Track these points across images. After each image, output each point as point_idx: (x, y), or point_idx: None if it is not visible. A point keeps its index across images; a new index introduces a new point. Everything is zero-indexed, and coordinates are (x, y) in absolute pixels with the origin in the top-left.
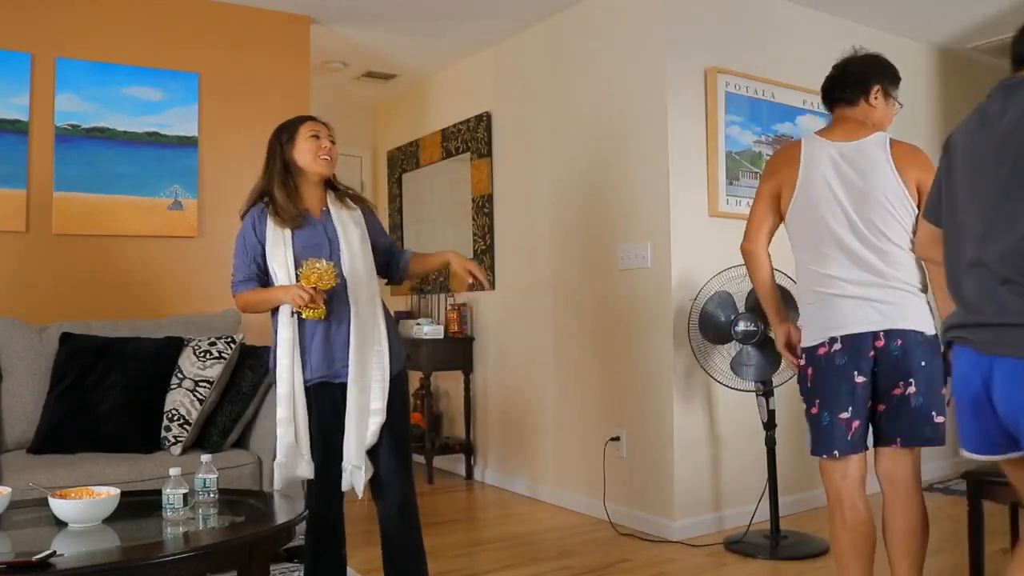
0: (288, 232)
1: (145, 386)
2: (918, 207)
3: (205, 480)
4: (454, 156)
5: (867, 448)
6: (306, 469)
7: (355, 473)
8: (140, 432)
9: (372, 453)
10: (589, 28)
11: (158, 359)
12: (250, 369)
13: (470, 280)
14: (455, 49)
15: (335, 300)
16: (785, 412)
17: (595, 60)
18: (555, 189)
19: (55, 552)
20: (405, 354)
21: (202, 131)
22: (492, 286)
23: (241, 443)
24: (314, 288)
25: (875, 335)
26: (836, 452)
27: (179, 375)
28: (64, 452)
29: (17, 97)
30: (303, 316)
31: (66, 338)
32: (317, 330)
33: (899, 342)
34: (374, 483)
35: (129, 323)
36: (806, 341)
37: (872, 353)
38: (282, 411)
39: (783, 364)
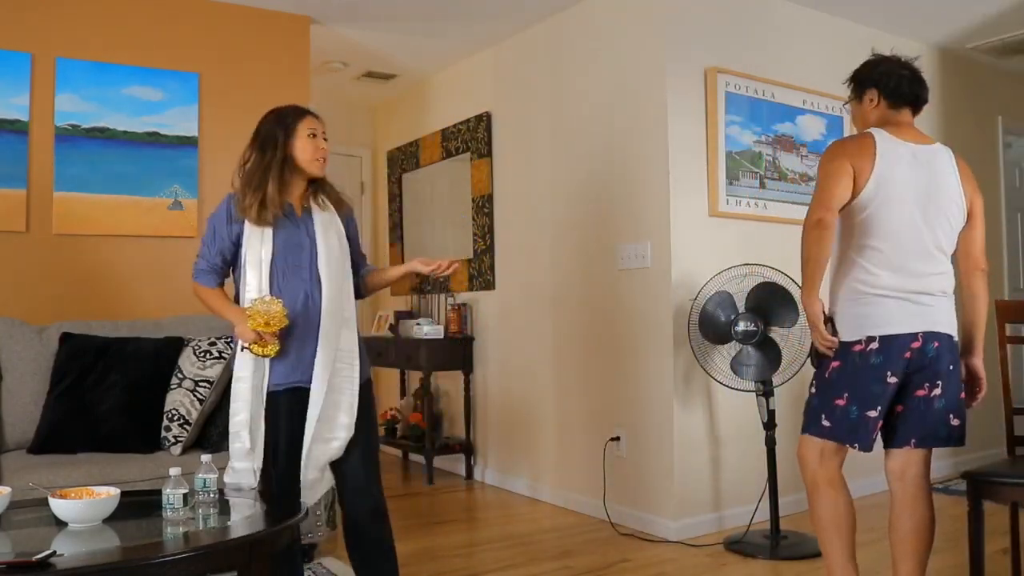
0: (268, 229)
1: (145, 386)
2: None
3: (205, 480)
4: (454, 156)
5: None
6: (251, 479)
7: (313, 486)
8: (140, 432)
9: (340, 462)
10: (589, 28)
11: (158, 359)
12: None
13: (445, 271)
14: (455, 49)
15: (306, 316)
16: (785, 412)
17: (595, 60)
18: (555, 189)
19: (55, 552)
20: (368, 361)
21: (202, 131)
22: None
23: None
24: (259, 333)
25: (913, 336)
26: (857, 446)
27: (179, 375)
28: (64, 452)
29: (17, 97)
30: (252, 352)
31: (66, 338)
32: (284, 336)
33: (935, 344)
34: (344, 489)
35: (129, 323)
36: (842, 336)
37: (908, 355)
38: (240, 416)
39: (783, 364)
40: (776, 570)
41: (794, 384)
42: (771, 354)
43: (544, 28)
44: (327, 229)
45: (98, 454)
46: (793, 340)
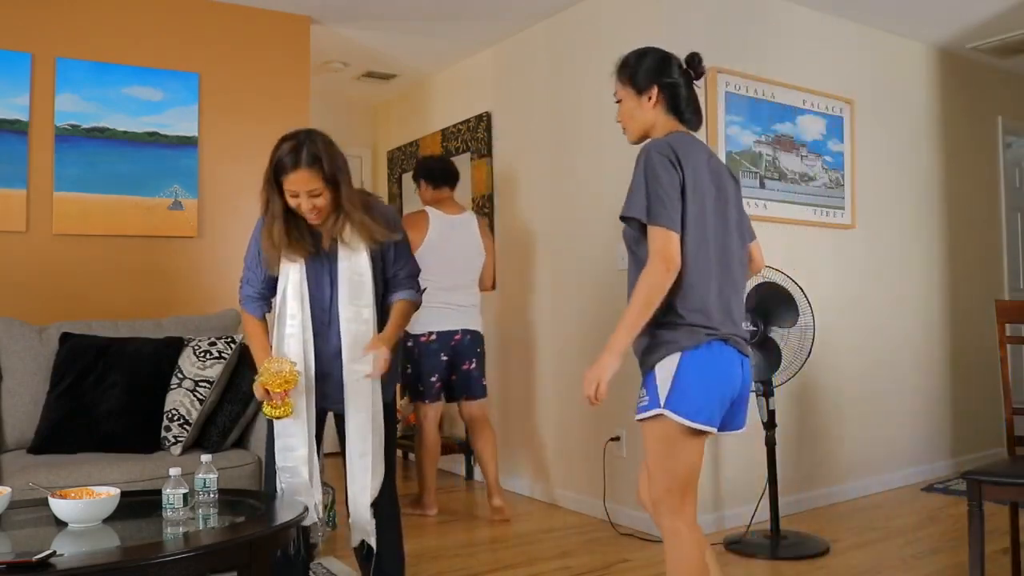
0: (301, 262)
1: (145, 386)
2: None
3: (205, 480)
4: (454, 156)
5: (442, 400)
6: (314, 514)
7: (367, 535)
8: (140, 432)
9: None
10: (589, 28)
11: (158, 359)
12: (250, 369)
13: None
14: (455, 49)
15: (324, 353)
16: (785, 412)
17: (595, 60)
18: (555, 189)
19: (55, 552)
20: (399, 374)
21: (202, 131)
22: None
23: (241, 443)
24: (269, 391)
25: (455, 332)
26: (427, 400)
27: (179, 375)
28: (64, 452)
29: (17, 97)
30: (264, 413)
31: (66, 338)
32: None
33: (469, 337)
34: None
35: (129, 323)
36: (417, 331)
37: (453, 343)
38: (299, 452)
39: (783, 364)
40: (776, 570)
41: (794, 384)
42: (771, 354)
43: (544, 28)
44: (350, 269)
45: (98, 454)
46: (793, 340)
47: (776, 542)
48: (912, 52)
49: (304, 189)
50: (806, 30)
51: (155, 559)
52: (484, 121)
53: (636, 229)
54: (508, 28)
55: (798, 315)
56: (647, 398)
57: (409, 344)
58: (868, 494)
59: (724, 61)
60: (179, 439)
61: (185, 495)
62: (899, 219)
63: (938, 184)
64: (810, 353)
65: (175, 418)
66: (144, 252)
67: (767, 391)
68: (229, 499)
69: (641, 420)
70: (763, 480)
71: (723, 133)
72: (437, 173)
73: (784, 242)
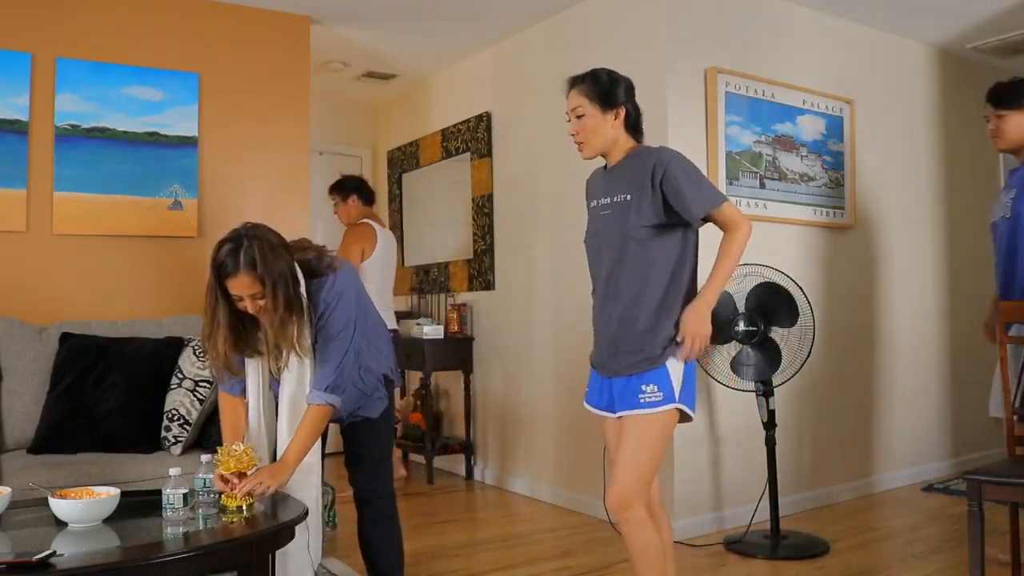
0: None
1: (145, 386)
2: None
3: (205, 480)
4: (454, 156)
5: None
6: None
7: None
8: (140, 432)
9: (352, 468)
10: (589, 28)
11: (158, 359)
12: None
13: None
14: (455, 49)
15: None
16: (785, 412)
17: (595, 60)
18: (555, 189)
19: (55, 552)
20: (384, 396)
21: (202, 131)
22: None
23: None
24: (232, 475)
25: (395, 330)
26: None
27: (179, 375)
28: (64, 452)
29: (17, 97)
30: (224, 503)
31: (66, 338)
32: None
33: (394, 334)
34: (356, 497)
35: (129, 323)
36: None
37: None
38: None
39: (783, 364)
40: (776, 570)
41: (794, 384)
42: (771, 354)
43: (544, 28)
44: (284, 395)
45: (98, 454)
46: (793, 340)
47: (776, 542)
48: (912, 52)
49: (246, 293)
50: (806, 30)
51: (155, 559)
52: (484, 121)
53: (654, 225)
54: (508, 28)
55: (798, 315)
56: (660, 393)
57: None
58: (868, 494)
59: (724, 61)
60: (179, 439)
61: (185, 495)
62: (899, 219)
63: (938, 184)
64: (810, 353)
65: (175, 418)
66: (144, 252)
67: (767, 391)
68: None
69: (650, 414)
70: (763, 480)
71: (723, 133)
72: (367, 191)
73: (784, 242)
